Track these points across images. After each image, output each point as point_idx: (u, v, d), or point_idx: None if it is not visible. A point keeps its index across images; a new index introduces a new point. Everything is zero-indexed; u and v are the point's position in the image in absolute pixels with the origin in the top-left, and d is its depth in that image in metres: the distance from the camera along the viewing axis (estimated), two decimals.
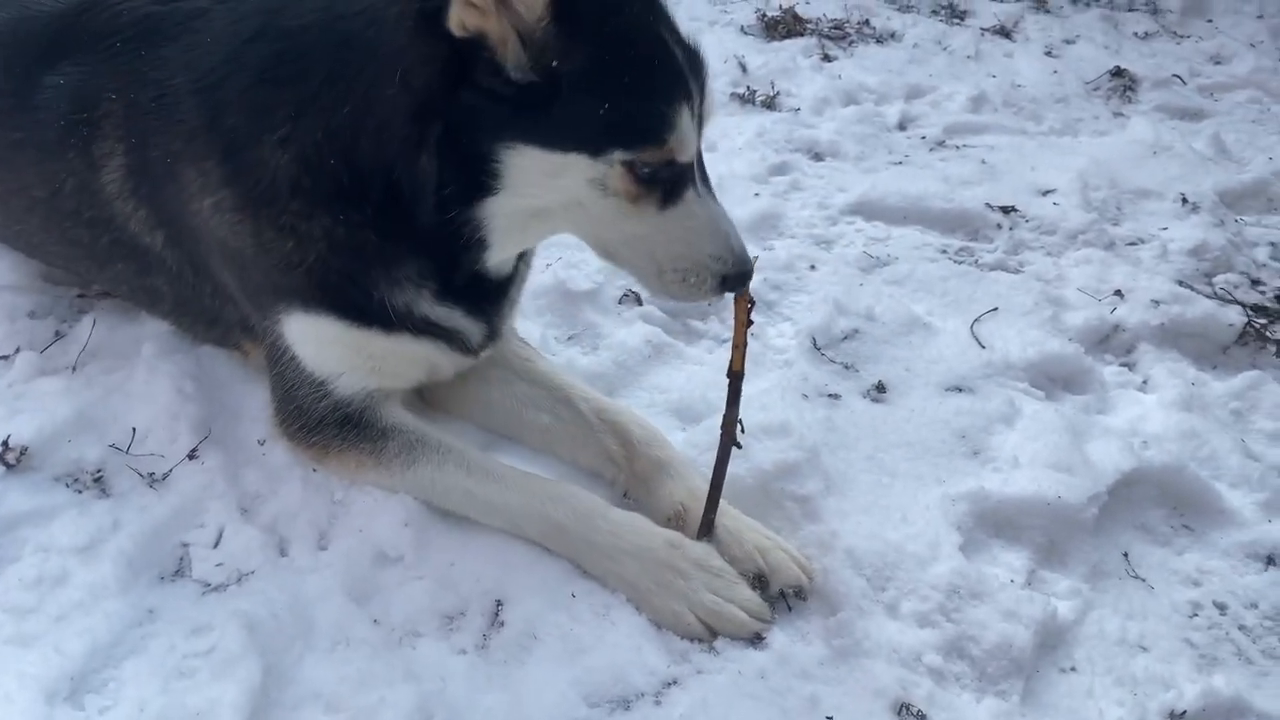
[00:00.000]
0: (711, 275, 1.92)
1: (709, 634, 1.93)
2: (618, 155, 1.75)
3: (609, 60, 1.69)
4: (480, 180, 1.80)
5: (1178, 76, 4.96)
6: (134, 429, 2.24)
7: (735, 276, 1.93)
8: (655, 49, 1.75)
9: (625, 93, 1.71)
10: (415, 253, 1.97)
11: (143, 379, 2.35)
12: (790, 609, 2.02)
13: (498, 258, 2.03)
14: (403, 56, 1.74)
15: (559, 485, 2.10)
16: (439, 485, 2.09)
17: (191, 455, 2.21)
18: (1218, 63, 5.27)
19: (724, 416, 2.09)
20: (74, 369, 2.39)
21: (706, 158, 1.99)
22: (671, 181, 1.84)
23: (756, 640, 1.93)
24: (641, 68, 1.72)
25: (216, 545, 2.06)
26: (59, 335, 2.50)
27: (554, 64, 1.66)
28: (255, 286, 2.10)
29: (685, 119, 1.78)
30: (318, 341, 2.07)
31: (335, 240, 1.95)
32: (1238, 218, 3.72)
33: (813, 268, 3.14)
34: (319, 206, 1.93)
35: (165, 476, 2.16)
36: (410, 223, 1.89)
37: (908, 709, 1.85)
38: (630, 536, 2.00)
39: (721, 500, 2.08)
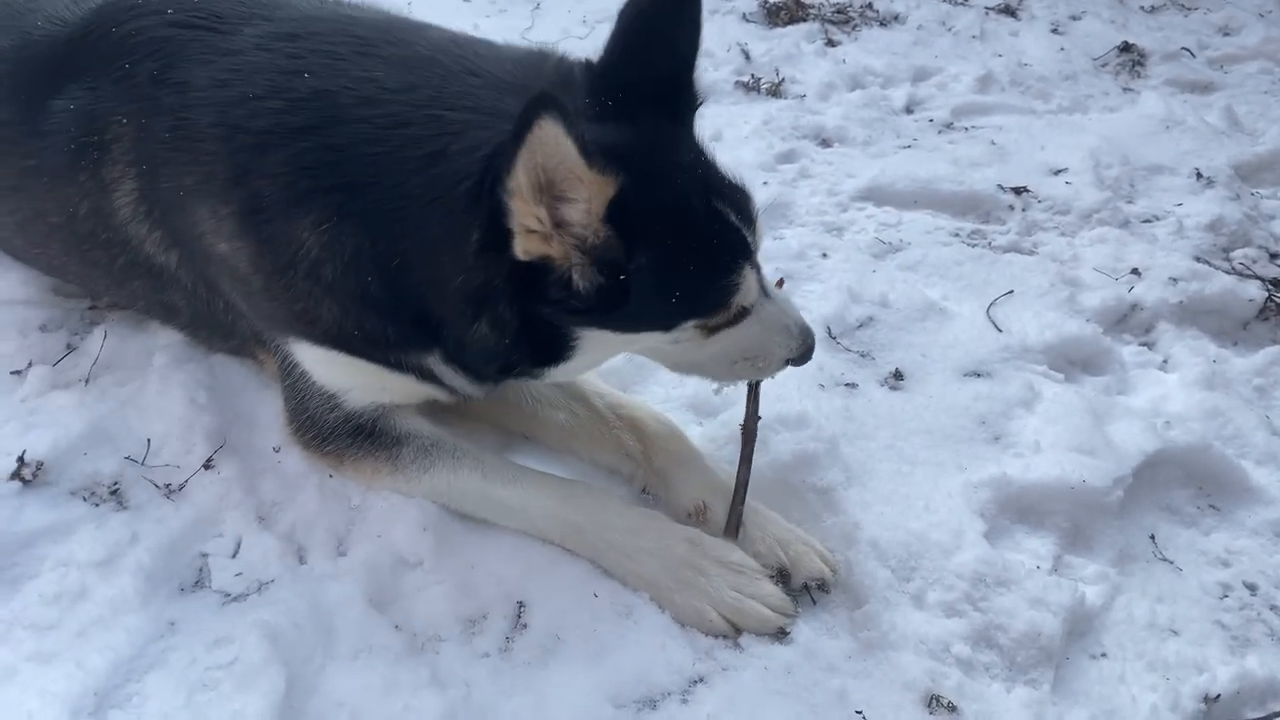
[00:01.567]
0: (778, 361, 1.99)
1: (733, 631, 1.92)
2: (690, 324, 1.85)
3: (669, 252, 1.74)
4: (553, 350, 1.86)
5: (1187, 49, 4.89)
6: (149, 440, 2.24)
7: (799, 357, 2.00)
8: (710, 225, 1.78)
9: (690, 277, 1.77)
10: (431, 346, 1.98)
11: (155, 390, 2.34)
12: (814, 602, 2.00)
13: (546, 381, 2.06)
14: (465, 264, 1.75)
15: (576, 485, 2.09)
16: (455, 490, 2.09)
17: (207, 465, 2.20)
18: (1227, 34, 5.19)
19: (745, 415, 2.09)
20: (87, 382, 2.38)
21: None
22: (742, 311, 1.90)
23: (781, 635, 1.92)
24: (700, 249, 1.77)
25: (235, 555, 2.05)
26: (70, 348, 2.49)
27: (619, 268, 1.70)
28: (264, 314, 2.11)
29: (746, 275, 1.83)
30: (326, 364, 2.08)
31: (348, 319, 1.96)
32: (1254, 191, 3.67)
33: (824, 255, 3.11)
34: (339, 296, 1.93)
35: (182, 487, 2.16)
36: (435, 335, 1.93)
37: (938, 701, 1.83)
38: (649, 535, 1.99)
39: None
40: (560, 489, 2.06)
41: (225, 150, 1.93)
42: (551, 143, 1.52)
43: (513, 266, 1.70)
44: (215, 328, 2.33)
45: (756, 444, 2.09)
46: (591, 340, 1.84)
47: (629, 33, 1.79)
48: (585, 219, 1.64)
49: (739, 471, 2.07)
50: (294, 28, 2.01)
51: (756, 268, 1.87)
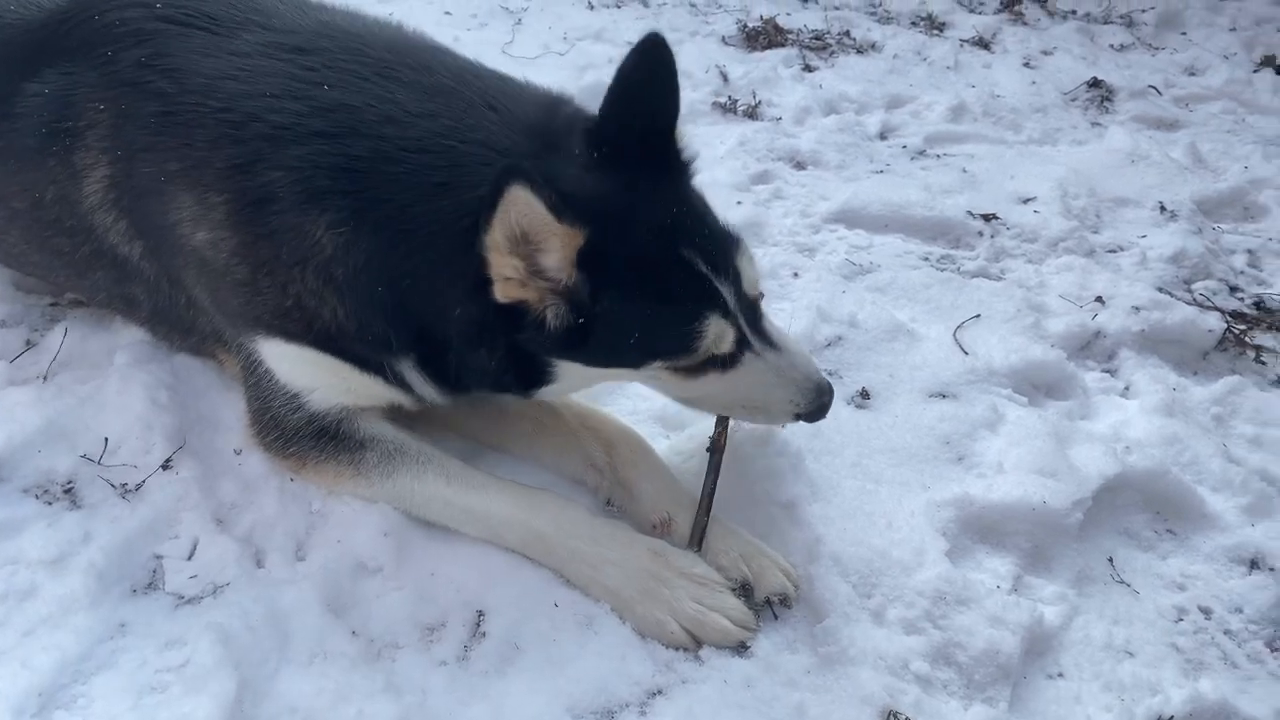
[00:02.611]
0: (784, 414, 2.03)
1: (693, 643, 1.91)
2: (657, 364, 1.92)
3: (634, 300, 1.83)
4: (536, 376, 1.95)
5: (1154, 87, 5.02)
6: (106, 439, 2.20)
7: (812, 413, 2.03)
8: (676, 273, 1.84)
9: (653, 321, 1.86)
10: (407, 352, 2.01)
11: (116, 388, 2.30)
12: (776, 617, 2.00)
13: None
14: (460, 296, 1.85)
15: (540, 493, 2.08)
16: (418, 495, 2.07)
17: (165, 465, 2.16)
18: (1192, 74, 5.34)
19: (714, 430, 2.12)
20: (45, 378, 2.34)
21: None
22: (723, 360, 1.94)
23: (741, 649, 1.91)
24: (664, 298, 1.85)
25: (190, 557, 2.02)
26: (30, 344, 2.45)
27: (586, 309, 1.81)
28: (232, 310, 2.08)
29: (713, 325, 1.87)
30: (292, 360, 2.06)
31: (338, 320, 1.97)
32: (1215, 225, 3.75)
33: (796, 275, 3.14)
34: (338, 296, 1.94)
35: (138, 487, 2.12)
36: (416, 343, 1.98)
37: (895, 717, 1.83)
38: (614, 545, 1.99)
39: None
40: (525, 497, 2.06)
41: (232, 137, 1.93)
42: (523, 204, 1.67)
43: (498, 311, 1.82)
44: (175, 324, 2.30)
45: (722, 457, 2.10)
46: (568, 370, 1.93)
47: (618, 90, 1.88)
48: (559, 264, 1.76)
49: (705, 483, 2.08)
50: (299, 41, 2.03)
51: (731, 315, 1.89)
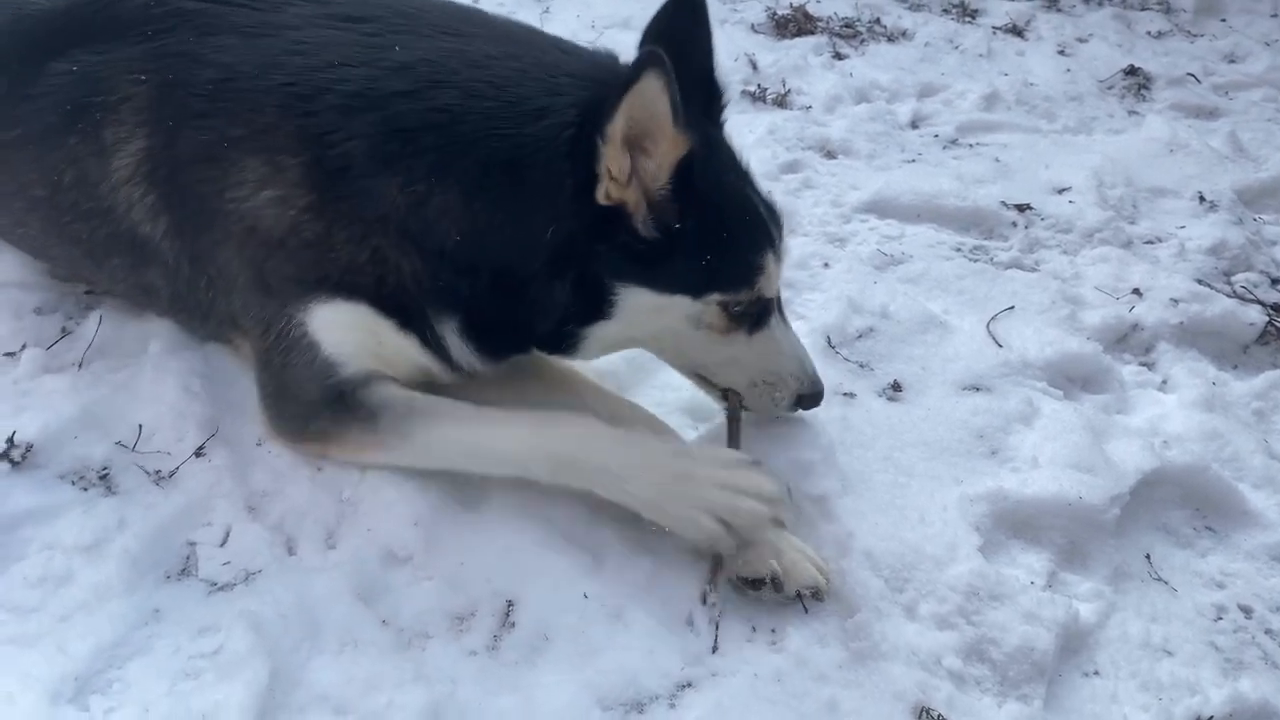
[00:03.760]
0: (790, 392, 2.18)
1: (727, 534, 1.93)
2: (715, 297, 2.00)
3: (712, 221, 1.94)
4: (598, 309, 1.99)
5: (1192, 75, 4.92)
6: (140, 426, 2.21)
7: (809, 396, 2.20)
8: (747, 209, 2.02)
9: (724, 247, 1.96)
10: (467, 309, 2.05)
11: (150, 376, 2.31)
12: (806, 610, 1.98)
13: (575, 358, 2.16)
14: (558, 211, 1.91)
15: (557, 416, 2.08)
16: (438, 447, 2.06)
17: (198, 453, 2.18)
18: (1232, 61, 5.22)
19: (727, 403, 2.21)
20: (80, 366, 2.36)
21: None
22: (757, 314, 2.08)
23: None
24: (737, 226, 1.99)
25: (223, 544, 2.03)
26: (65, 332, 2.47)
27: (671, 224, 1.90)
28: (284, 276, 2.07)
29: (770, 263, 2.03)
30: (344, 327, 2.05)
31: (413, 274, 2.01)
32: (1256, 216, 3.68)
33: (826, 265, 3.10)
34: (415, 251, 1.99)
35: (172, 474, 2.13)
36: (498, 303, 2.02)
37: (928, 713, 1.81)
38: (636, 453, 1.99)
39: None
40: (543, 421, 2.05)
41: (305, 109, 1.97)
42: (652, 95, 1.74)
43: (592, 214, 1.88)
44: (194, 310, 2.29)
45: (751, 450, 2.09)
46: (630, 302, 1.97)
47: (655, 42, 1.94)
48: (656, 171, 1.85)
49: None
50: (350, 10, 2.09)
51: (780, 261, 2.06)
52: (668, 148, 1.81)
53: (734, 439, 2.13)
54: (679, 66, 1.87)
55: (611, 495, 1.99)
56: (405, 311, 2.04)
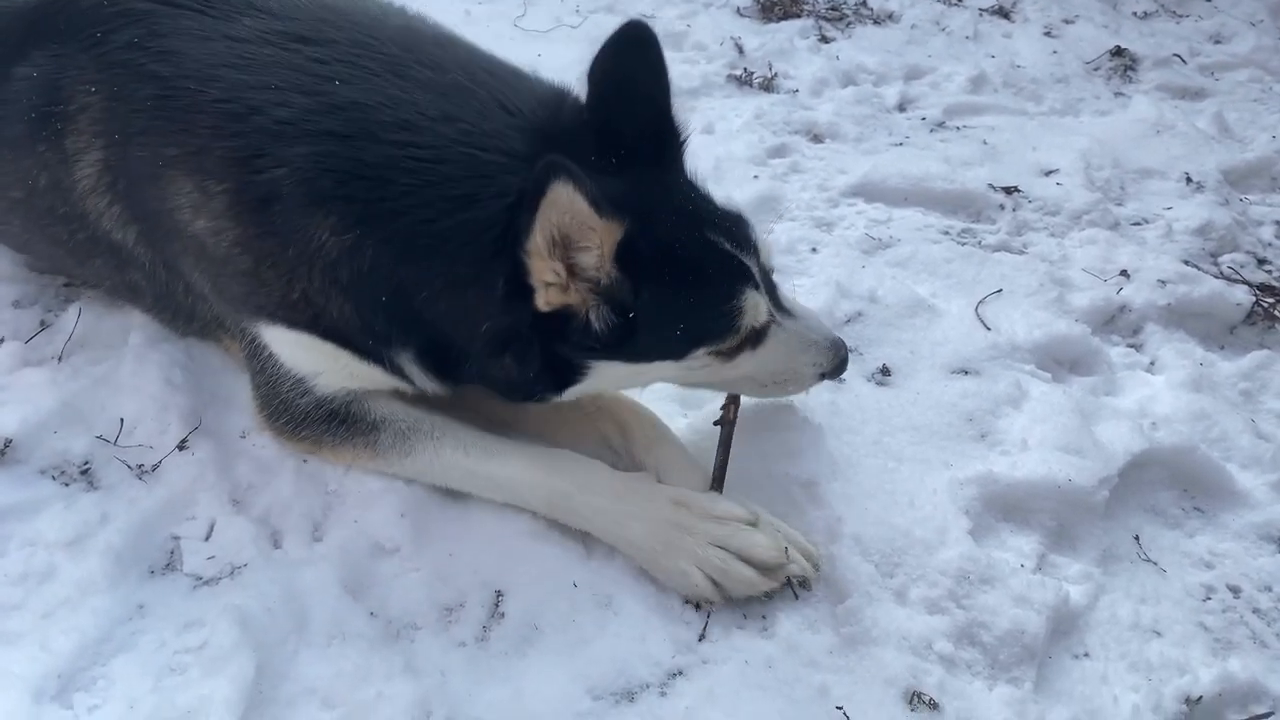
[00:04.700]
0: (810, 378, 2.08)
1: (718, 594, 1.91)
2: (700, 351, 1.90)
3: (672, 286, 1.82)
4: (568, 378, 1.91)
5: (1178, 56, 4.90)
6: (122, 420, 2.19)
7: (833, 370, 2.08)
8: (707, 256, 1.85)
9: (695, 306, 1.85)
10: (407, 346, 1.98)
11: (130, 369, 2.29)
12: (796, 597, 1.97)
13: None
14: (491, 310, 1.81)
15: (560, 454, 2.07)
16: (438, 468, 2.07)
17: (181, 446, 2.15)
18: (1218, 42, 5.21)
19: (722, 406, 2.10)
20: (60, 359, 2.33)
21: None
22: (756, 335, 1.95)
23: (768, 596, 1.91)
24: (701, 280, 1.84)
25: (208, 538, 2.01)
26: (44, 325, 2.44)
27: (629, 305, 1.79)
28: (234, 297, 2.05)
29: (749, 298, 1.88)
30: (295, 346, 2.04)
31: (344, 316, 1.94)
32: (1242, 197, 3.67)
33: (814, 250, 3.09)
34: (343, 296, 1.91)
35: (155, 468, 2.11)
36: (413, 338, 1.95)
37: (919, 697, 1.81)
38: (634, 498, 1.98)
39: (724, 487, 2.05)
40: (544, 458, 2.04)
41: (235, 129, 1.87)
42: (565, 203, 1.63)
43: (535, 314, 1.78)
44: (177, 311, 2.28)
45: (740, 435, 2.07)
46: (605, 371, 1.90)
47: (601, 90, 1.86)
48: (598, 263, 1.74)
49: (716, 458, 2.07)
50: (303, 30, 1.96)
51: (760, 288, 1.91)
52: (602, 237, 1.69)
53: (725, 445, 2.08)
54: (628, 109, 1.82)
55: (606, 538, 1.99)
56: (354, 344, 1.99)
